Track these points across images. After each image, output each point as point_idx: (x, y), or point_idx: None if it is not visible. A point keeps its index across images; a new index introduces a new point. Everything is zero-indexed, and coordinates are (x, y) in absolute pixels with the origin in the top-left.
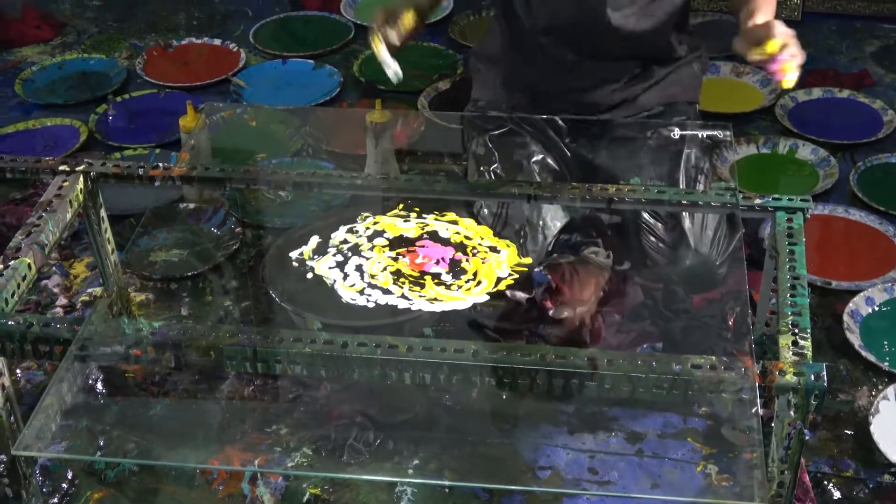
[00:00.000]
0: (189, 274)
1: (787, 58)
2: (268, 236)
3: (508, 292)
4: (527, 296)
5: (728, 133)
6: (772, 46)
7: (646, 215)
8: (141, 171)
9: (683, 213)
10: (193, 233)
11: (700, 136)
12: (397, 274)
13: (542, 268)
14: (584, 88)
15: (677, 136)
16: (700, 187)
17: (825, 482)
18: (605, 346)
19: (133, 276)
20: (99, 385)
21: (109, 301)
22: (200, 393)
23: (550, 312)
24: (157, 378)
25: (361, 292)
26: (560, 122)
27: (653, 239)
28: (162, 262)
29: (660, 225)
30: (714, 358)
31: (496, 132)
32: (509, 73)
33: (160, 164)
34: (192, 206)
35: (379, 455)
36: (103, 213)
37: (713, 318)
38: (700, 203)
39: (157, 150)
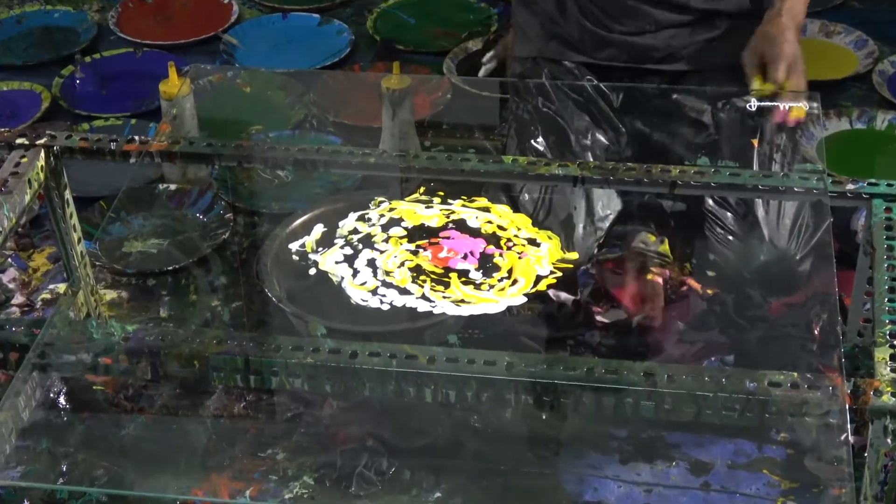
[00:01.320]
0: (170, 268)
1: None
2: (263, 224)
3: (551, 293)
4: (572, 297)
5: (815, 104)
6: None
7: (712, 202)
8: (113, 146)
9: (757, 200)
10: (175, 219)
11: (781, 107)
12: (417, 270)
13: (588, 265)
14: (637, 32)
15: (754, 108)
16: (777, 168)
17: None
18: (666, 359)
19: (103, 270)
20: (62, 399)
21: (75, 299)
22: (182, 410)
23: (598, 317)
24: (131, 392)
25: (374, 292)
26: (613, 92)
27: (720, 231)
28: (138, 254)
29: (729, 214)
30: (796, 374)
31: (539, 101)
32: (553, 17)
33: (136, 138)
34: (173, 187)
35: (393, 486)
36: (68, 194)
37: (795, 326)
38: (781, 188)
39: (133, 121)
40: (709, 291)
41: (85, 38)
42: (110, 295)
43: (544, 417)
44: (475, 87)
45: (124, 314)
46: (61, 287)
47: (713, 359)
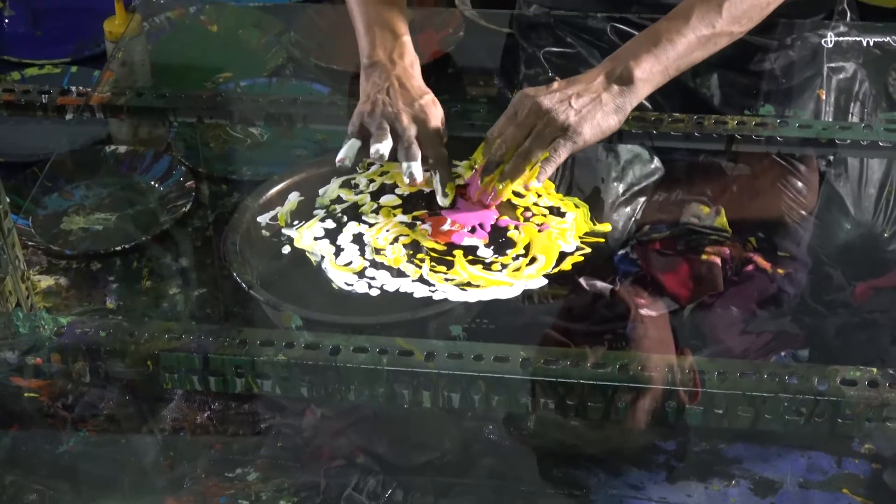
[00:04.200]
0: (119, 248)
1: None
2: (232, 194)
3: (583, 281)
4: (609, 287)
5: None
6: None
7: (781, 163)
8: (44, 99)
9: (834, 159)
10: (125, 189)
11: (864, 43)
12: (414, 247)
13: (627, 248)
14: None
15: (830, 45)
16: (856, 119)
17: None
18: (726, 354)
19: (37, 252)
20: None
21: (1, 287)
22: (132, 421)
23: (644, 311)
24: (70, 400)
25: (361, 274)
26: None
27: (790, 199)
28: (79, 232)
29: (798, 182)
30: (875, 370)
31: (553, 48)
32: None
33: (73, 89)
34: (123, 149)
35: None
36: None
37: (884, 313)
38: (863, 143)
39: (74, 69)
40: (780, 271)
41: None
42: (46, 281)
43: (573, 427)
44: (494, 22)
45: (62, 304)
46: None
47: (783, 353)
